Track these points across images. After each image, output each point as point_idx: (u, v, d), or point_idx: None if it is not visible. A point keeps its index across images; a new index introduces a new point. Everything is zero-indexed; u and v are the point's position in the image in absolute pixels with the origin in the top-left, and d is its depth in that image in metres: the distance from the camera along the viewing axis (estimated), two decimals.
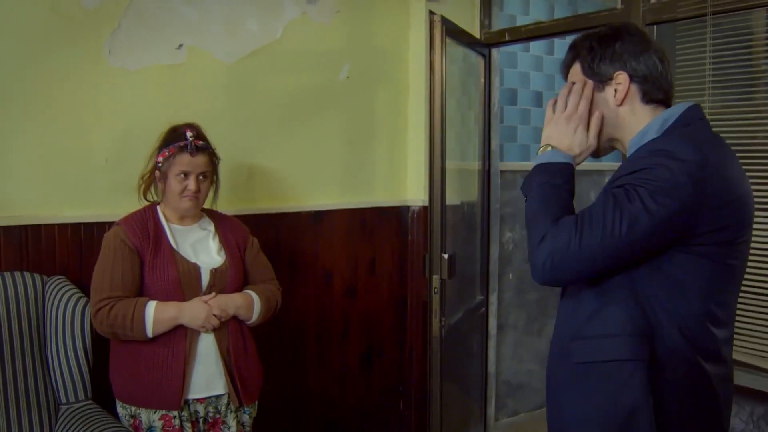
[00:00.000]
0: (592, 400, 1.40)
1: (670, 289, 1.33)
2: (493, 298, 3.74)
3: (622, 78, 1.45)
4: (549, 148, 1.49)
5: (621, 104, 1.46)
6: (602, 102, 1.49)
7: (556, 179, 1.44)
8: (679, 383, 1.35)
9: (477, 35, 3.37)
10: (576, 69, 1.52)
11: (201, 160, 2.18)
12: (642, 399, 1.33)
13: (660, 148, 1.32)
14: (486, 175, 3.49)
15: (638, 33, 1.49)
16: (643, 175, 1.30)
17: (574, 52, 1.53)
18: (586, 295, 1.43)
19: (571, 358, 1.44)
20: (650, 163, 1.30)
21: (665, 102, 1.48)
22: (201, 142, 2.19)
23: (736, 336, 2.54)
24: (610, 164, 4.11)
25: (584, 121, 1.48)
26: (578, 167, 1.53)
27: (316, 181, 3.12)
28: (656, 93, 1.45)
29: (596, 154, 1.55)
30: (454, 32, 2.87)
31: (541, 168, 1.47)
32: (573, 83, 1.50)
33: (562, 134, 1.48)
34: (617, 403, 1.35)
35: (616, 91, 1.46)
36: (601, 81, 1.48)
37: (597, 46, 1.48)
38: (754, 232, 2.48)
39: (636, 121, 1.46)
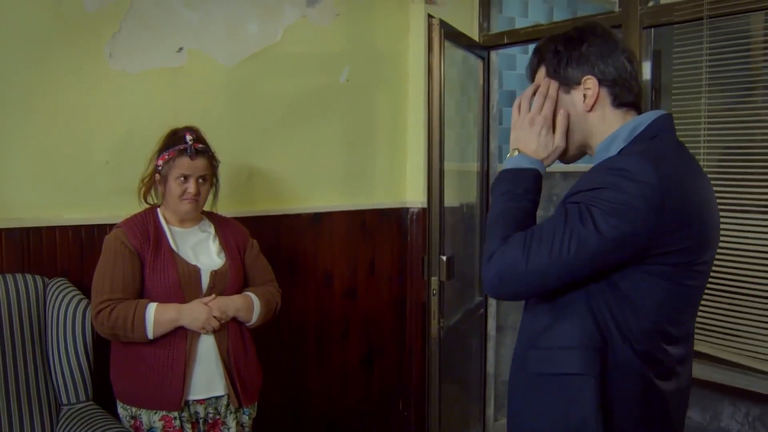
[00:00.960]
0: (544, 413, 1.38)
1: (623, 305, 1.30)
2: (492, 300, 3.75)
3: (591, 83, 1.40)
4: (516, 153, 1.46)
5: (591, 110, 1.42)
6: (569, 104, 1.44)
7: (519, 187, 1.41)
8: (629, 398, 1.33)
9: (476, 38, 3.39)
10: (541, 74, 1.48)
11: (200, 163, 2.20)
12: (590, 414, 1.30)
13: (619, 167, 1.27)
14: (485, 176, 3.50)
15: (604, 33, 1.43)
16: (600, 194, 1.26)
17: (539, 56, 1.49)
18: (542, 307, 1.41)
19: (528, 367, 1.43)
20: (607, 182, 1.27)
21: (635, 104, 1.44)
22: (200, 146, 2.21)
23: (731, 338, 2.57)
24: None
25: (549, 122, 1.44)
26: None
27: (316, 182, 3.14)
28: (626, 96, 1.41)
29: (566, 159, 1.51)
30: (452, 35, 2.88)
31: (505, 174, 1.44)
32: (537, 85, 1.47)
33: (527, 138, 1.45)
34: (566, 417, 1.33)
35: (585, 96, 1.41)
36: (568, 85, 1.44)
37: (563, 50, 1.43)
38: (751, 235, 2.51)
39: (606, 126, 1.42)
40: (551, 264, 1.26)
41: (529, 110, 1.46)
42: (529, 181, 1.42)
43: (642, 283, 1.29)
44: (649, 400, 1.34)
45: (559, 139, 1.45)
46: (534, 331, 1.43)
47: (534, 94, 1.47)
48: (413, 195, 3.42)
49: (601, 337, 1.32)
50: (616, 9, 2.75)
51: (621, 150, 1.37)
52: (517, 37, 3.30)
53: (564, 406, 1.34)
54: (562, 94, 1.45)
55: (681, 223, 1.27)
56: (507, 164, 1.45)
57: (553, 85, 1.45)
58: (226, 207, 2.51)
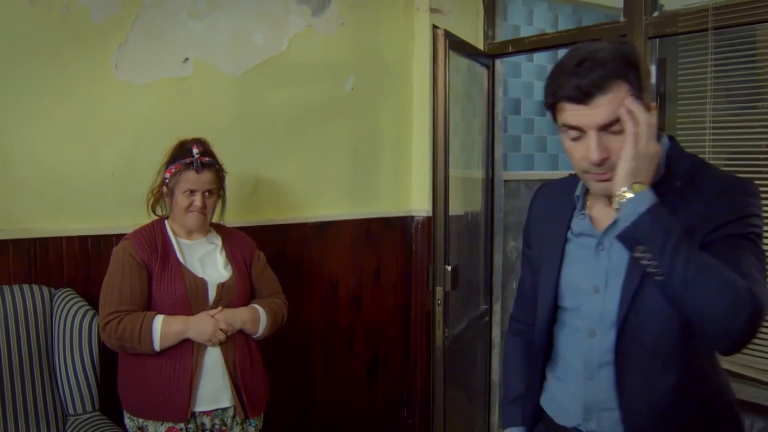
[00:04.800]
0: None
1: None
2: (497, 307, 3.75)
3: (655, 109, 1.32)
4: (640, 187, 1.26)
5: None
6: None
7: (675, 225, 1.23)
8: None
9: (481, 46, 3.39)
10: (621, 89, 1.26)
11: (207, 177, 2.21)
12: None
13: (745, 187, 1.31)
14: (490, 184, 3.50)
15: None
16: (750, 221, 1.28)
17: (617, 69, 1.26)
18: None
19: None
20: (749, 207, 1.29)
21: None
22: (207, 159, 2.22)
23: None
24: None
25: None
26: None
27: (321, 191, 3.14)
28: None
29: None
30: (457, 45, 2.88)
31: (657, 213, 1.23)
32: (626, 103, 1.26)
33: (647, 169, 1.28)
34: None
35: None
36: (647, 110, 1.29)
37: (639, 73, 1.29)
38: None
39: None
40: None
41: (638, 134, 1.27)
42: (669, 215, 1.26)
43: None
44: None
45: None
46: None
47: (629, 112, 1.27)
48: (418, 203, 3.42)
49: None
50: (621, 19, 2.75)
51: (669, 167, 1.37)
52: (522, 46, 3.31)
53: None
54: None
55: None
56: (643, 202, 1.24)
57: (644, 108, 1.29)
58: (232, 217, 2.52)
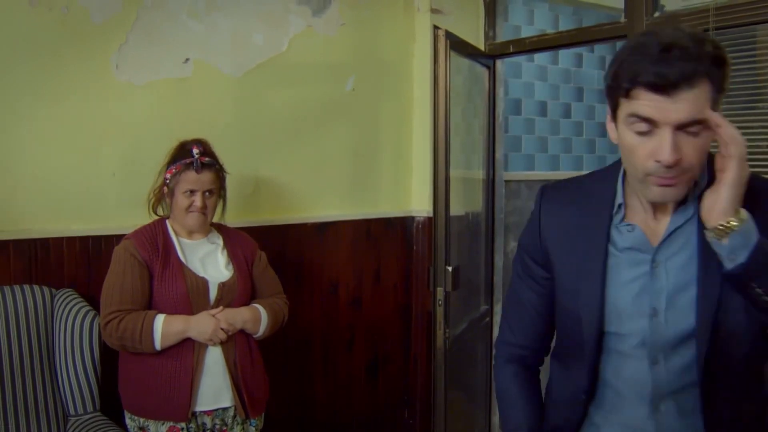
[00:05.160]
0: None
1: None
2: (498, 308, 3.74)
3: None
4: (744, 216, 1.15)
5: None
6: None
7: None
8: None
9: (481, 46, 3.39)
10: (705, 88, 1.12)
11: (207, 177, 2.21)
12: None
13: None
14: (490, 184, 3.50)
15: None
16: None
17: (707, 66, 1.12)
18: None
19: None
20: None
21: None
22: (207, 159, 2.22)
23: None
24: None
25: None
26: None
27: (321, 192, 3.14)
28: None
29: None
30: (458, 45, 2.88)
31: (764, 245, 1.14)
32: (722, 123, 1.13)
33: (743, 190, 1.17)
34: None
35: None
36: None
37: (724, 74, 1.15)
38: None
39: None
40: None
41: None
42: None
43: None
44: None
45: None
46: None
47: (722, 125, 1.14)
48: (419, 204, 3.42)
49: None
50: (622, 19, 2.75)
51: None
52: (522, 47, 3.30)
53: None
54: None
55: None
56: (751, 234, 1.14)
57: None
58: (232, 217, 2.52)
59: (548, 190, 1.46)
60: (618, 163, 1.33)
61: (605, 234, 1.30)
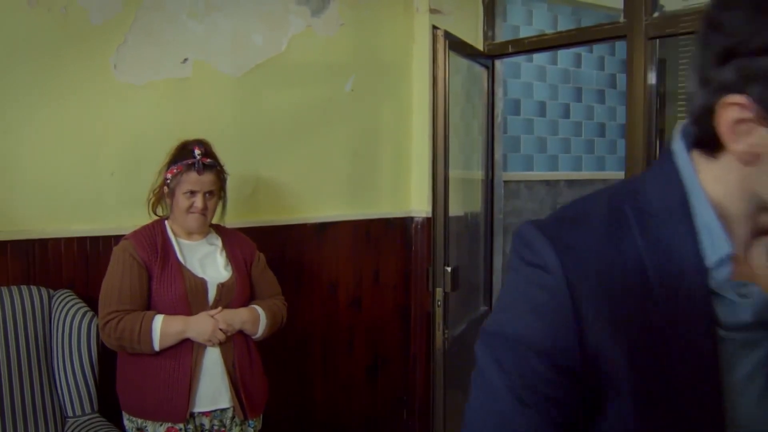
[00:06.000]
0: None
1: None
2: None
3: None
4: None
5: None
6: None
7: None
8: None
9: (480, 46, 3.38)
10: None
11: (208, 178, 2.21)
12: None
13: None
14: (489, 185, 3.50)
15: None
16: None
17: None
18: None
19: None
20: None
21: None
22: (209, 160, 2.22)
23: None
24: (614, 173, 4.14)
25: None
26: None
27: (320, 192, 3.14)
28: None
29: None
30: (457, 46, 2.88)
31: None
32: None
33: None
34: None
35: None
36: None
37: None
38: None
39: None
40: None
41: None
42: None
43: None
44: None
45: None
46: None
47: None
48: (418, 204, 3.42)
49: None
50: (621, 19, 2.75)
51: None
52: (521, 47, 3.30)
53: None
54: None
55: None
56: None
57: None
58: (232, 218, 2.52)
59: (560, 236, 0.79)
60: (675, 184, 0.78)
61: (705, 308, 0.75)
